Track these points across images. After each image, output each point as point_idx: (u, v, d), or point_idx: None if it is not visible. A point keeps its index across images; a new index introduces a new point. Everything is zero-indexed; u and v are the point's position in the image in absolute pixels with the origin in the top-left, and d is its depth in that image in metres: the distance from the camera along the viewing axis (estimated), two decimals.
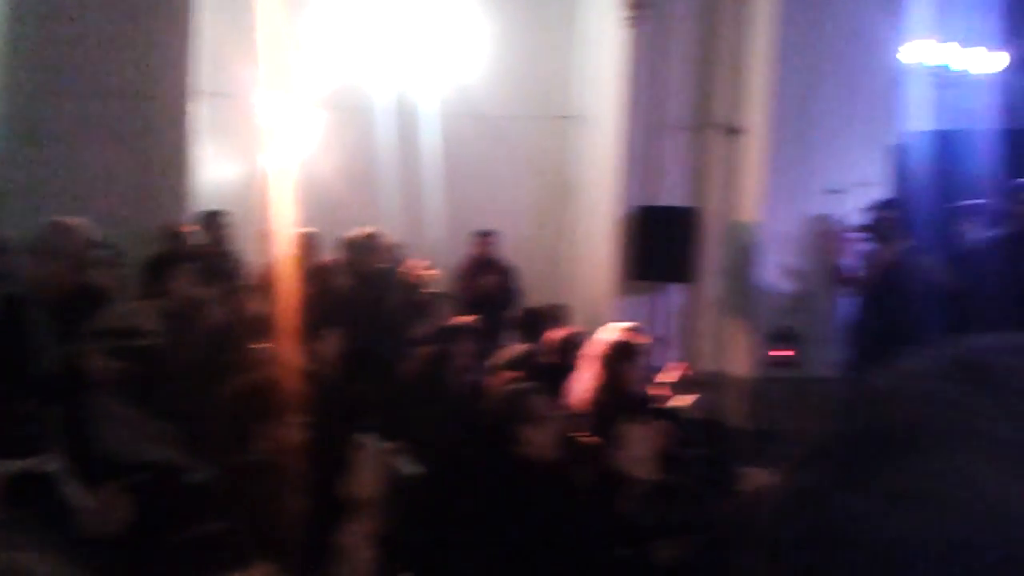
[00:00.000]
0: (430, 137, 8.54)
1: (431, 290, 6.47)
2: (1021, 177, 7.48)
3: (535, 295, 7.73)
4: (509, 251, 8.47)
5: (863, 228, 7.27)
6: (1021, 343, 0.58)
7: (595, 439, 4.23)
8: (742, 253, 7.82)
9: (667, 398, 4.87)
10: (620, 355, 4.38)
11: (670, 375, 4.86)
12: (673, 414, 4.03)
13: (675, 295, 8.09)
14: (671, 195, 8.01)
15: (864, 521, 0.51)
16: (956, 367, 0.56)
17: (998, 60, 7.86)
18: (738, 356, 7.86)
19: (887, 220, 6.76)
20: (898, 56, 7.60)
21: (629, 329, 4.77)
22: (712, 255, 7.98)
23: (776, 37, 7.41)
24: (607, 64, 8.42)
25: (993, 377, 0.54)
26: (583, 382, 4.65)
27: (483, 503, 3.40)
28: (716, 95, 7.91)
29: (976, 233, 6.54)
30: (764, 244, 7.60)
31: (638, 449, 3.85)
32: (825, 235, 7.52)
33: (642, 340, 4.48)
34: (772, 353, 7.54)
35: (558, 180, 9.14)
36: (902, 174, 7.46)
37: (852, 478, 0.54)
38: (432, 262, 7.46)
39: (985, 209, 6.64)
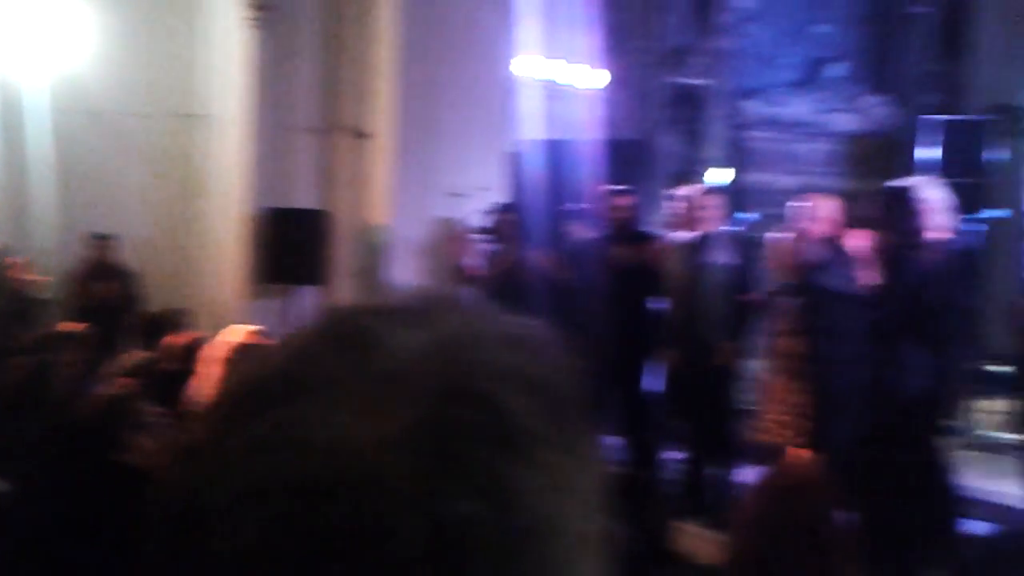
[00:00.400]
0: (37, 133, 7.94)
1: (37, 296, 6.03)
2: (620, 183, 8.24)
3: (161, 299, 7.43)
4: (131, 254, 8.06)
5: (485, 230, 7.69)
6: (397, 309, 0.65)
7: None
8: (372, 255, 7.99)
9: None
10: (244, 358, 4.33)
11: None
12: None
13: (307, 297, 8.10)
14: (301, 197, 8.02)
15: (231, 466, 0.56)
16: (330, 328, 0.63)
17: (600, 77, 8.60)
18: None
19: (506, 222, 7.18)
20: (512, 69, 8.10)
21: (253, 332, 4.73)
22: (343, 257, 8.08)
23: (399, 45, 7.65)
24: (232, 64, 8.26)
25: (355, 337, 0.62)
26: (204, 386, 4.55)
27: (82, 512, 3.25)
28: (343, 99, 8.02)
29: (580, 233, 7.11)
30: (393, 245, 7.81)
31: None
32: (449, 237, 7.86)
33: (266, 342, 4.45)
34: None
35: (184, 181, 8.80)
36: (518, 179, 7.95)
37: (231, 427, 0.59)
38: (41, 267, 6.95)
39: (587, 212, 7.23)
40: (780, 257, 4.90)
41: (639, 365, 6.46)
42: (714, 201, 5.98)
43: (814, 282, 4.64)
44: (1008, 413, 5.83)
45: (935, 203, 4.73)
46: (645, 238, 6.59)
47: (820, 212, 5.29)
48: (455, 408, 0.56)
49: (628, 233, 6.55)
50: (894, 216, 4.64)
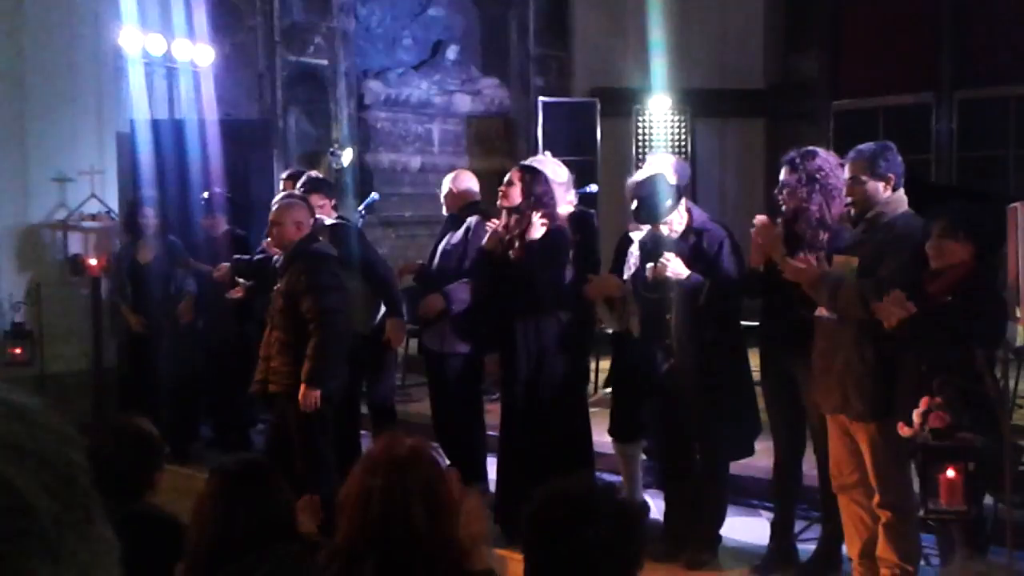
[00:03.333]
0: None
1: None
2: (243, 165, 7.98)
3: None
4: None
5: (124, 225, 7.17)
6: None
7: None
8: None
9: None
10: None
11: None
12: None
13: None
14: None
15: None
16: None
17: (213, 54, 8.25)
18: None
19: (135, 215, 6.72)
20: (117, 43, 7.55)
21: None
22: None
23: None
24: None
25: None
26: None
27: None
28: None
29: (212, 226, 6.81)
30: None
31: None
32: (61, 225, 7.24)
33: None
34: (10, 351, 7.05)
35: None
36: (131, 162, 7.46)
37: None
38: None
39: (217, 198, 6.94)
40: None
41: None
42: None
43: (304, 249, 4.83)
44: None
45: (563, 179, 5.03)
46: None
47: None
48: None
49: None
50: (530, 188, 4.88)
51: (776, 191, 4.47)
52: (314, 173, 6.11)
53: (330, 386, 4.73)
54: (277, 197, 5.92)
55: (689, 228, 4.67)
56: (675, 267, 4.52)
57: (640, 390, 4.93)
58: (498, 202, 4.98)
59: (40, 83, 7.13)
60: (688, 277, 4.52)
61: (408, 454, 2.09)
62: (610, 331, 5.46)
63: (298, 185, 5.76)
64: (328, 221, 5.61)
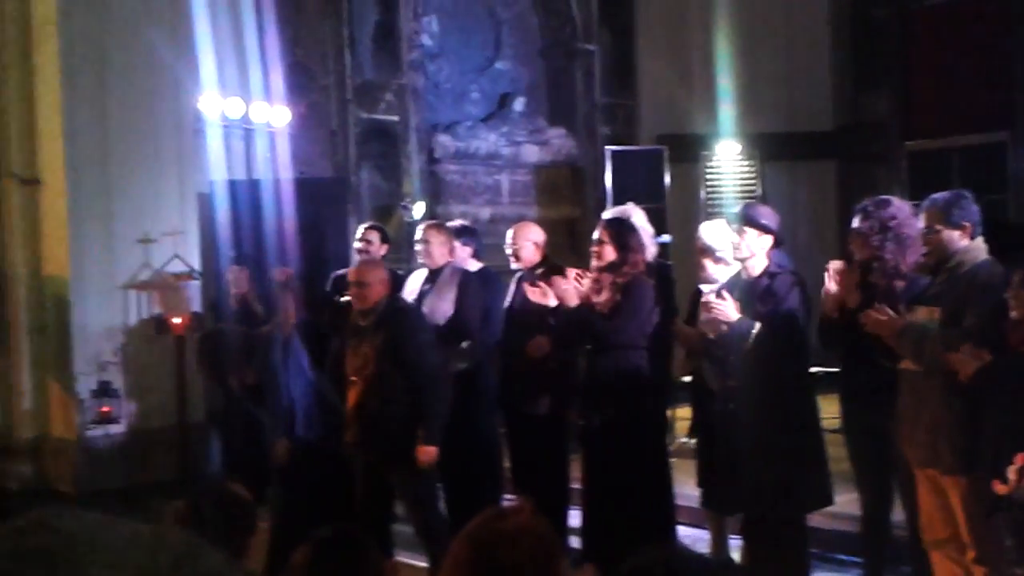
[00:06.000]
0: None
1: None
2: (318, 221, 8.14)
3: None
4: None
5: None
6: None
7: None
8: (53, 309, 7.41)
9: None
10: None
11: None
12: None
13: None
14: None
15: None
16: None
17: (289, 114, 8.47)
18: (61, 417, 7.42)
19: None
20: (197, 107, 7.80)
21: None
22: (20, 314, 7.44)
23: (65, 84, 7.18)
24: None
25: None
26: None
27: None
28: (8, 145, 7.43)
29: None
30: (76, 298, 7.28)
31: None
32: (146, 285, 7.46)
33: None
34: (98, 410, 7.25)
35: None
36: (211, 222, 7.66)
37: None
38: None
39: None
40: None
41: None
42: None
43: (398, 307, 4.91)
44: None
45: (646, 229, 5.06)
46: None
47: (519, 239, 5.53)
48: None
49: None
50: (622, 242, 4.86)
51: (849, 239, 4.44)
52: (460, 221, 6.18)
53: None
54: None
55: (765, 272, 4.66)
56: (725, 308, 4.50)
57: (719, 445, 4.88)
58: (592, 262, 4.93)
59: (125, 148, 7.40)
60: (739, 320, 4.50)
61: (517, 529, 1.93)
62: (687, 379, 5.44)
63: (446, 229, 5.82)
64: (473, 267, 5.73)
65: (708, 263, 5.06)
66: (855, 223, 4.36)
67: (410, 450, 4.71)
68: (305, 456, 4.97)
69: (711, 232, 5.11)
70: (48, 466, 7.42)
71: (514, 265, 5.58)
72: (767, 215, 4.67)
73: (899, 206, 4.32)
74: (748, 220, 4.57)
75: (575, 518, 5.28)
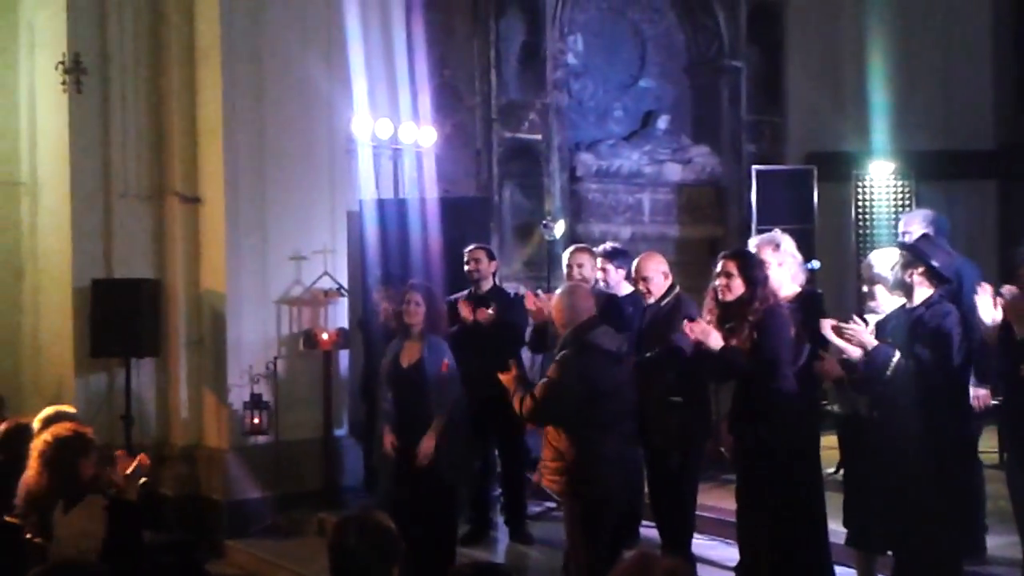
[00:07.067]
0: None
1: None
2: (463, 240, 8.24)
3: None
4: None
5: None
6: None
7: (40, 539, 3.90)
8: (209, 323, 7.73)
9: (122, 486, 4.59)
10: (63, 448, 4.06)
11: (122, 465, 4.60)
12: (126, 502, 3.81)
13: (142, 370, 7.76)
14: (131, 266, 7.72)
15: None
16: None
17: (435, 134, 8.62)
18: (213, 427, 7.73)
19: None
20: (347, 128, 8.03)
21: (67, 417, 4.48)
22: (178, 326, 7.79)
23: (226, 106, 7.49)
24: (53, 129, 7.94)
25: None
26: (29, 478, 4.25)
27: None
28: (171, 164, 7.81)
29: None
30: (230, 312, 7.57)
31: (82, 539, 3.65)
32: (297, 301, 7.71)
33: (84, 429, 4.20)
34: (249, 421, 7.51)
35: (11, 251, 8.37)
36: (359, 240, 7.85)
37: None
38: None
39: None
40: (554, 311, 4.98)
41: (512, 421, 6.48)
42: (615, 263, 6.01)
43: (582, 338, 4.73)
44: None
45: (795, 256, 4.93)
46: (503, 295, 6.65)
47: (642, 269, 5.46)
48: None
49: (489, 290, 6.59)
50: (750, 275, 4.71)
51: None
52: (611, 244, 6.22)
53: None
54: (567, 268, 6.03)
55: (925, 302, 4.50)
56: (859, 334, 4.37)
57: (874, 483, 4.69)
58: (720, 296, 4.78)
59: (279, 168, 7.66)
60: (876, 348, 4.34)
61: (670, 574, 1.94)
62: (838, 410, 5.27)
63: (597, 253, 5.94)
64: (626, 290, 5.77)
65: (879, 291, 4.83)
66: None
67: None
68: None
69: (883, 260, 4.89)
70: (201, 474, 7.72)
71: (649, 301, 5.48)
72: (941, 257, 4.55)
73: None
74: (920, 259, 4.47)
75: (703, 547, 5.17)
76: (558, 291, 5.06)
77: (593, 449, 4.69)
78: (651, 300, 5.44)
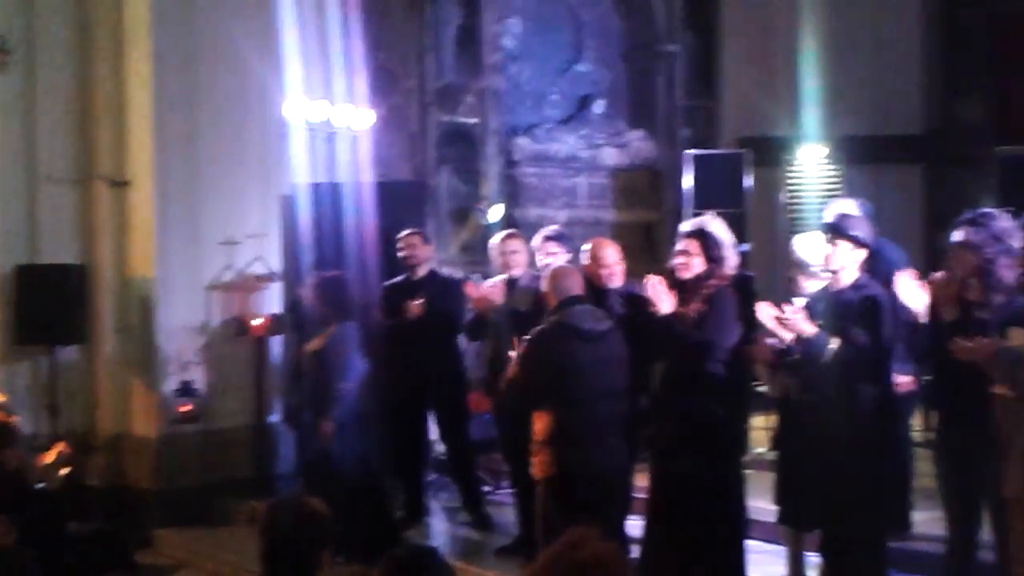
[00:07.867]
0: None
1: None
2: (399, 224, 8.18)
3: None
4: None
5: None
6: None
7: None
8: (137, 309, 7.58)
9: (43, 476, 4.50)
10: None
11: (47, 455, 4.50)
12: (43, 493, 3.74)
13: (69, 358, 7.58)
14: (57, 252, 7.53)
15: None
16: None
17: (369, 117, 8.52)
18: (142, 415, 7.59)
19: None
20: (281, 112, 7.90)
21: None
22: (106, 313, 7.63)
23: (155, 88, 7.34)
24: None
25: None
26: None
27: None
28: (99, 147, 7.62)
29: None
30: (160, 298, 7.43)
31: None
32: (228, 286, 7.58)
33: (9, 420, 4.10)
34: (179, 409, 7.39)
35: None
36: (292, 225, 7.74)
37: None
38: None
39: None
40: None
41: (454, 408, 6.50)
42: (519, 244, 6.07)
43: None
44: (766, 429, 6.20)
45: (731, 241, 4.96)
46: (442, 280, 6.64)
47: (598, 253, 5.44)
48: None
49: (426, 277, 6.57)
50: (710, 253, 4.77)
51: (952, 251, 4.30)
52: (555, 227, 6.14)
53: None
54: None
55: (853, 285, 4.55)
56: (797, 323, 4.42)
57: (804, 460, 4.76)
58: (678, 273, 4.82)
59: (210, 151, 7.52)
60: (815, 334, 4.39)
61: (595, 559, 1.87)
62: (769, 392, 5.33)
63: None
64: None
65: (801, 278, 4.91)
66: (962, 235, 4.22)
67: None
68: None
69: (805, 245, 4.97)
70: (129, 463, 7.58)
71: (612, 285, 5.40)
72: (861, 227, 4.56)
73: (1005, 219, 4.21)
74: (841, 232, 4.47)
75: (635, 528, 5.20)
76: (545, 273, 5.05)
77: (560, 426, 4.68)
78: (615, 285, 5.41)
